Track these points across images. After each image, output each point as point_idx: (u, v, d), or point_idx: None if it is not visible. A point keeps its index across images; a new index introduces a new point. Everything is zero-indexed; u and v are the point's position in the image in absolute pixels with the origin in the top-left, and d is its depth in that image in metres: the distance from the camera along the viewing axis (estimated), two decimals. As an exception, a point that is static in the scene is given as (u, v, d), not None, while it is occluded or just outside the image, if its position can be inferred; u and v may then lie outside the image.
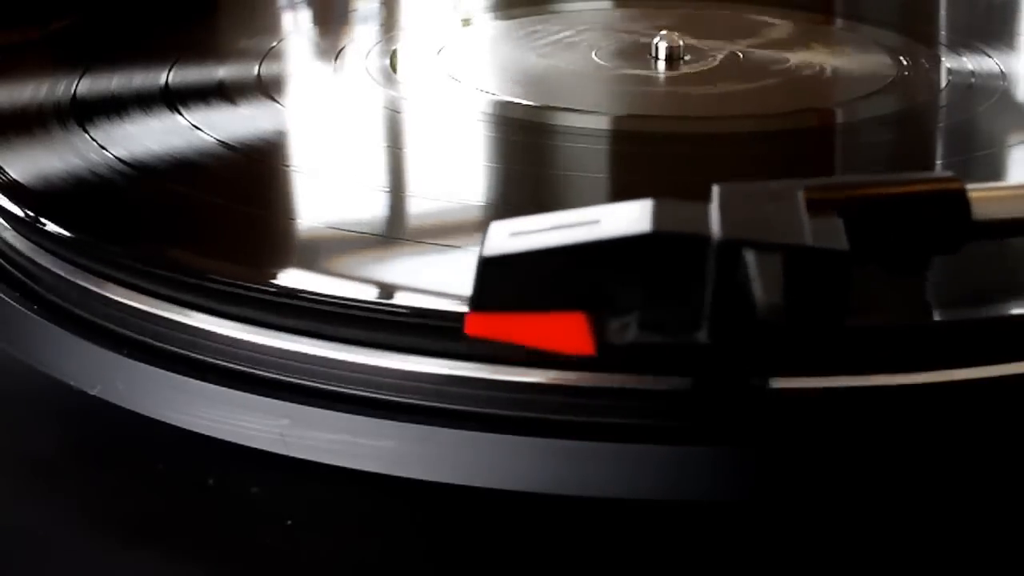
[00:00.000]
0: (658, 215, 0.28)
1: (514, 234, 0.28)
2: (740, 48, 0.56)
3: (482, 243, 0.28)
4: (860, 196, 0.30)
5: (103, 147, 0.43)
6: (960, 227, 0.30)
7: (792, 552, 0.31)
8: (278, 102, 0.49)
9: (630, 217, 0.28)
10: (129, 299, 0.36)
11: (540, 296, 0.27)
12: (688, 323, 0.27)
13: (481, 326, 0.28)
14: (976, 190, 0.31)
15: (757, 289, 0.26)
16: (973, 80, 0.53)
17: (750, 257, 0.26)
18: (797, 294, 0.27)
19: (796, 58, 0.56)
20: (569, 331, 0.27)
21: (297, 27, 0.63)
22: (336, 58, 0.56)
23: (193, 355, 0.34)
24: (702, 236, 0.27)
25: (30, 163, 0.42)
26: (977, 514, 0.32)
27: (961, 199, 0.30)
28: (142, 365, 0.35)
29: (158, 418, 0.34)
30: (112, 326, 0.36)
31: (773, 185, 0.29)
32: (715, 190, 0.29)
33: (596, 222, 0.28)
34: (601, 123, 0.49)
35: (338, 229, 0.39)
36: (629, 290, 0.27)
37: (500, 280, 0.28)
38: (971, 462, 0.32)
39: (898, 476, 0.31)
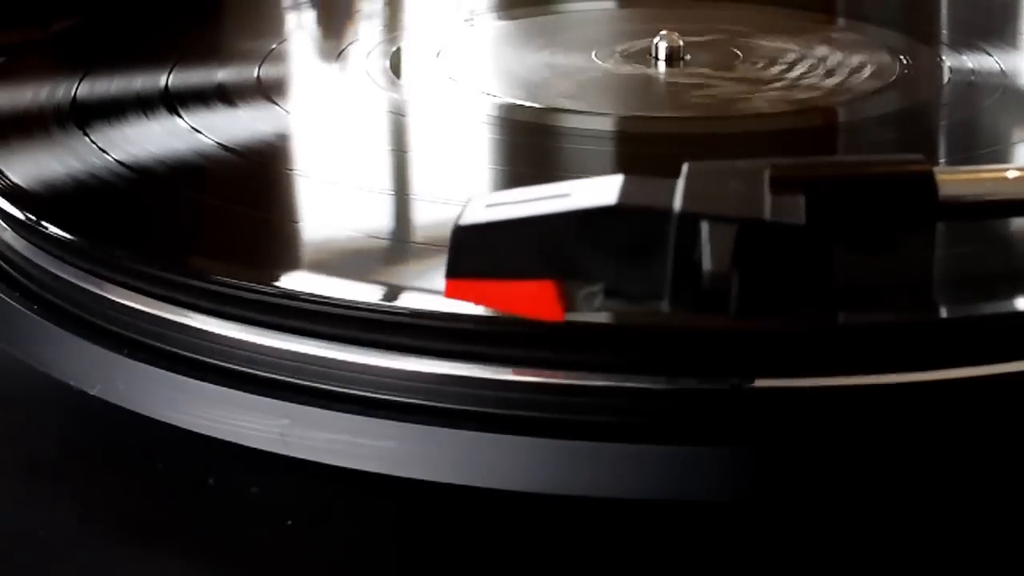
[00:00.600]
0: (625, 189, 0.29)
1: (490, 206, 0.29)
2: (741, 47, 0.56)
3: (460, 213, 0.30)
4: (827, 176, 0.30)
5: (103, 150, 0.43)
6: (927, 207, 0.31)
7: (791, 552, 0.31)
8: (278, 104, 0.49)
9: (599, 191, 0.29)
10: (129, 300, 0.36)
11: (512, 264, 0.29)
12: (651, 293, 0.28)
13: (458, 291, 0.29)
14: (944, 171, 0.31)
15: (706, 259, 0.27)
16: (974, 78, 0.53)
17: (705, 229, 0.27)
18: (751, 267, 0.27)
19: (797, 57, 0.56)
20: (539, 298, 0.29)
21: (298, 28, 0.63)
22: (337, 59, 0.56)
23: (193, 355, 0.34)
24: (663, 209, 0.28)
25: (30, 166, 0.42)
26: (977, 514, 0.32)
27: (928, 179, 0.31)
28: (142, 365, 0.35)
29: (158, 418, 0.34)
30: (112, 326, 0.36)
31: (741, 164, 0.30)
32: (684, 167, 0.30)
33: (567, 195, 0.29)
34: (603, 124, 0.49)
35: (338, 230, 0.39)
36: (596, 260, 0.28)
37: (474, 248, 0.29)
38: (971, 462, 0.32)
39: (898, 476, 0.31)
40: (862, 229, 0.30)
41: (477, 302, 0.29)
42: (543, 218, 0.29)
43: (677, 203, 0.28)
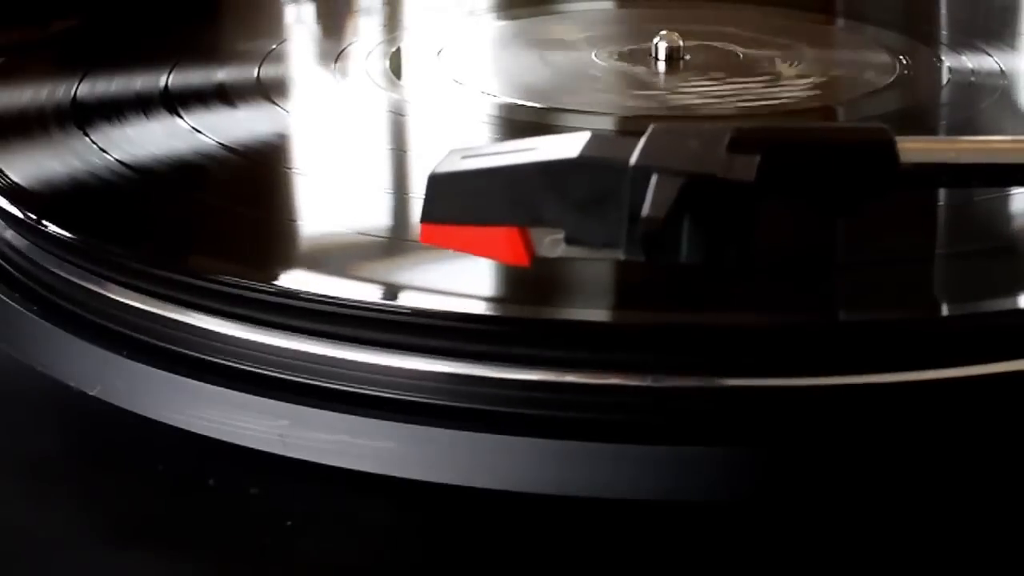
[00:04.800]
0: (589, 144, 0.31)
1: (466, 157, 0.31)
2: (740, 47, 0.56)
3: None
4: (787, 139, 0.31)
5: (103, 150, 0.43)
6: (888, 173, 0.31)
7: (791, 552, 0.31)
8: (278, 104, 0.49)
9: (564, 145, 0.31)
10: (129, 299, 0.36)
11: (481, 211, 0.31)
12: (608, 241, 0.30)
13: (432, 236, 0.31)
14: (906, 140, 0.32)
15: (645, 207, 0.28)
16: (973, 79, 0.53)
17: (654, 181, 0.29)
18: (700, 219, 0.29)
19: (796, 57, 0.56)
20: (506, 243, 0.31)
21: (297, 28, 0.63)
22: (337, 59, 0.56)
23: (193, 355, 0.34)
24: (621, 162, 0.30)
25: (31, 165, 0.42)
26: (977, 514, 0.32)
27: (889, 147, 0.32)
28: (142, 365, 0.35)
29: (158, 418, 0.34)
30: (112, 326, 0.36)
31: (706, 126, 0.31)
32: (649, 128, 0.31)
33: (536, 149, 0.31)
34: (602, 124, 0.49)
35: (338, 230, 0.39)
36: (558, 209, 0.30)
37: (446, 196, 0.31)
38: (971, 461, 0.32)
39: (898, 476, 0.31)
40: (823, 192, 0.31)
41: (449, 246, 0.31)
42: (510, 168, 0.30)
43: (633, 157, 0.30)
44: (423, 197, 0.31)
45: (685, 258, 0.29)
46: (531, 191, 0.30)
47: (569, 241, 0.30)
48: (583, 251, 0.30)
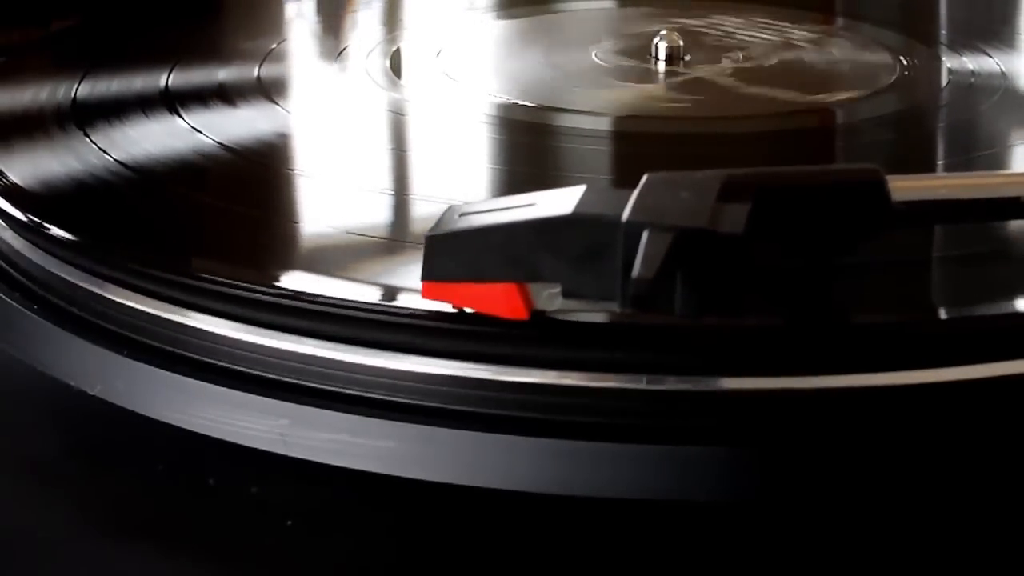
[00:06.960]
0: (583, 199, 0.31)
1: (463, 215, 0.32)
2: (740, 48, 0.56)
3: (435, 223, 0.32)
4: (777, 185, 0.31)
5: (103, 150, 0.43)
6: (881, 213, 0.32)
7: (791, 552, 0.31)
8: (279, 104, 0.49)
9: (559, 201, 0.31)
10: (129, 300, 0.36)
11: (479, 268, 0.31)
12: (604, 295, 0.30)
13: (434, 293, 0.32)
14: (897, 179, 0.32)
15: (636, 265, 0.29)
16: (973, 80, 0.53)
17: (645, 237, 0.29)
18: (692, 272, 0.29)
19: (796, 58, 0.56)
20: (505, 299, 0.31)
21: (298, 28, 0.63)
22: (336, 59, 0.56)
23: (193, 355, 0.34)
24: (614, 218, 0.30)
25: (31, 166, 0.42)
26: (977, 514, 0.32)
27: (880, 187, 0.32)
28: (142, 365, 0.35)
29: (158, 418, 0.34)
30: (112, 326, 0.36)
31: (698, 175, 0.31)
32: (643, 178, 0.31)
33: (533, 204, 0.31)
34: (602, 124, 0.49)
35: (338, 230, 0.39)
36: (554, 264, 0.31)
37: (444, 255, 0.32)
38: (971, 462, 0.32)
39: (898, 476, 0.31)
40: (815, 235, 0.31)
41: (450, 302, 0.32)
42: (505, 226, 0.31)
43: (626, 212, 0.30)
44: (423, 256, 0.32)
45: (679, 311, 0.29)
46: (527, 248, 0.31)
47: (566, 295, 0.31)
48: (581, 304, 0.31)
